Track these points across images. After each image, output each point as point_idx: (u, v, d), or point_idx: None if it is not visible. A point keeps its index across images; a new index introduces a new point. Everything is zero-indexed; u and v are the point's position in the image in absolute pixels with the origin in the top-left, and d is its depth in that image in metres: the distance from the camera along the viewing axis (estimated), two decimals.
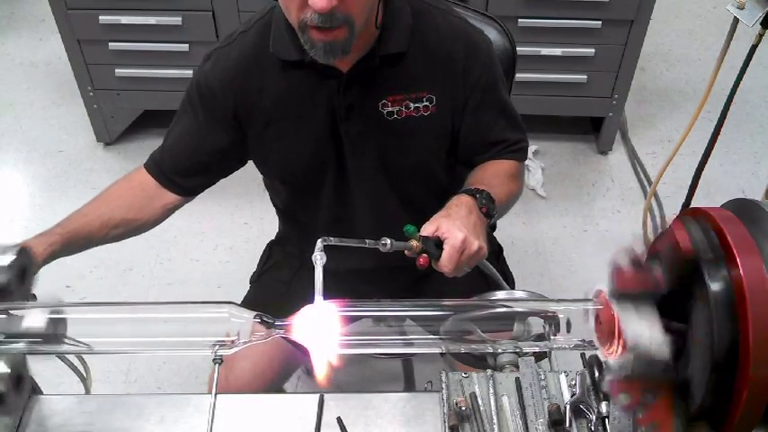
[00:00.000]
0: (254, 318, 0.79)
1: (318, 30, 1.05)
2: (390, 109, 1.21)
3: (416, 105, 1.21)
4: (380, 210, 1.32)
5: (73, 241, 1.18)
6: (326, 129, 1.23)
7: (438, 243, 1.04)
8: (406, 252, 1.03)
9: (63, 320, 0.81)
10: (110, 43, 2.42)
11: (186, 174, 1.29)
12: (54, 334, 0.79)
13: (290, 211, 1.44)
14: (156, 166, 1.29)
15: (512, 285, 1.49)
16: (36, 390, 1.07)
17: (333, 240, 0.91)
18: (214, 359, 1.10)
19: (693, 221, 0.70)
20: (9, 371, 0.90)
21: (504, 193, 1.22)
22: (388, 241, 1.00)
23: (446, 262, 1.03)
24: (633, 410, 0.81)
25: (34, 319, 0.78)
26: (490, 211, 1.13)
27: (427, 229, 1.05)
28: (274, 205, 1.48)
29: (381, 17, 1.15)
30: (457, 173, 1.34)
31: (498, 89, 1.27)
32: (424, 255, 1.03)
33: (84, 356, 1.10)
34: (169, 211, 1.32)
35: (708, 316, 0.64)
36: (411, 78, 1.21)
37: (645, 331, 0.68)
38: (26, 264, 0.91)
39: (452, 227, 1.04)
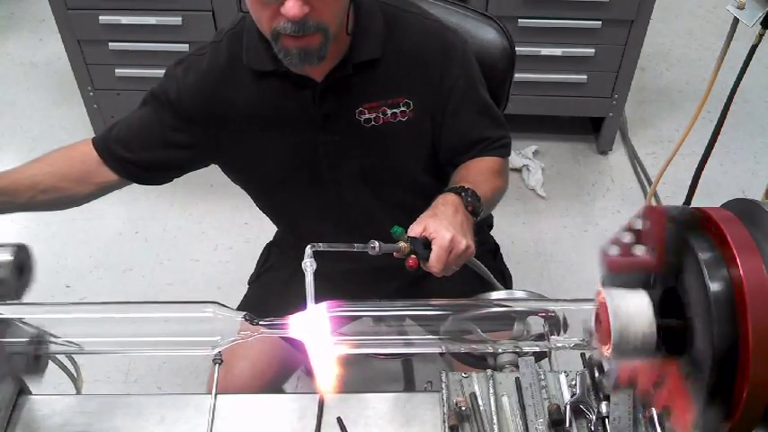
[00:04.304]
0: (240, 318, 0.79)
1: (291, 37, 1.05)
2: (368, 116, 1.21)
3: (393, 111, 1.21)
4: (365, 216, 1.31)
5: None
6: (303, 139, 1.23)
7: (426, 243, 1.03)
8: (394, 254, 1.02)
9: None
10: (110, 43, 2.42)
11: (132, 161, 1.26)
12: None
13: (276, 216, 1.45)
14: (103, 143, 1.26)
15: (509, 284, 1.49)
16: (25, 390, 1.07)
17: (322, 246, 0.91)
18: (214, 359, 1.11)
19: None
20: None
21: (490, 190, 1.21)
22: (377, 244, 0.99)
23: (434, 262, 1.02)
24: (641, 402, 0.81)
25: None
26: (476, 208, 1.13)
27: (414, 230, 1.04)
28: None
29: (352, 24, 1.15)
30: (441, 173, 1.33)
31: (476, 88, 1.27)
32: (413, 256, 1.02)
33: (75, 356, 1.10)
34: (103, 191, 1.28)
35: (708, 316, 0.64)
36: (386, 84, 1.20)
37: (629, 306, 0.69)
38: (24, 260, 0.91)
39: (440, 227, 1.03)
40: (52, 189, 1.22)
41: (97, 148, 1.26)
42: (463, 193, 1.13)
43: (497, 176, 1.27)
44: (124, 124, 1.28)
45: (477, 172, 1.24)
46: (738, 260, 0.63)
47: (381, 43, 1.18)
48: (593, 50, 2.41)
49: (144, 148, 1.25)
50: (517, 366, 1.05)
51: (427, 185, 1.30)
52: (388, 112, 1.21)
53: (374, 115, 1.21)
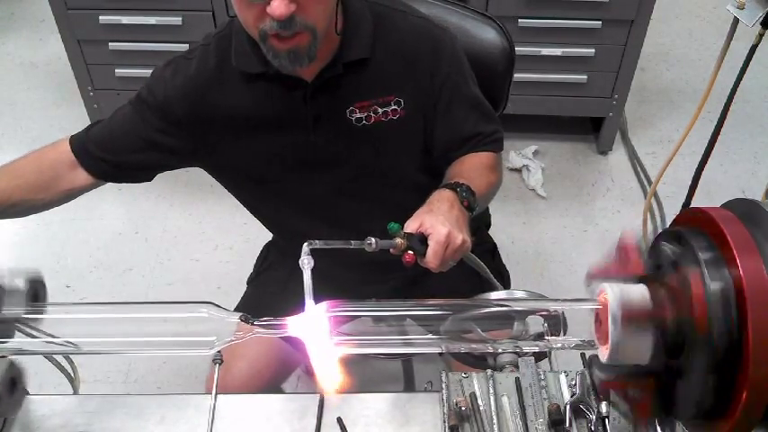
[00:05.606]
0: (234, 318, 0.79)
1: (279, 38, 1.05)
2: (359, 115, 1.21)
3: (385, 110, 1.21)
4: (359, 216, 1.30)
5: None
6: (294, 140, 1.23)
7: (422, 239, 1.03)
8: (391, 250, 1.02)
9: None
10: (110, 43, 2.42)
11: (109, 162, 1.25)
12: None
13: (267, 219, 1.44)
14: (80, 142, 1.25)
15: (507, 283, 1.49)
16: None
17: (318, 243, 0.91)
18: (214, 359, 1.11)
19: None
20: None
21: (484, 185, 1.21)
22: (373, 241, 0.99)
23: (431, 258, 1.02)
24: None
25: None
26: (471, 203, 1.13)
27: (410, 226, 1.04)
28: None
29: (341, 23, 1.15)
30: (435, 170, 1.32)
31: (467, 84, 1.27)
32: (410, 252, 1.02)
33: (73, 356, 1.09)
34: (72, 196, 1.28)
35: (708, 316, 0.64)
36: (377, 83, 1.20)
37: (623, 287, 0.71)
38: (39, 289, 0.91)
39: (436, 222, 1.03)
40: (21, 202, 1.22)
41: (73, 149, 1.25)
42: (458, 189, 1.13)
43: (491, 171, 1.27)
44: (104, 125, 1.27)
45: (471, 167, 1.24)
46: (738, 260, 0.63)
47: (371, 42, 1.18)
48: (593, 50, 2.41)
49: (125, 149, 1.25)
50: (517, 366, 1.05)
51: (421, 183, 1.30)
52: (380, 110, 1.21)
53: (365, 114, 1.21)
